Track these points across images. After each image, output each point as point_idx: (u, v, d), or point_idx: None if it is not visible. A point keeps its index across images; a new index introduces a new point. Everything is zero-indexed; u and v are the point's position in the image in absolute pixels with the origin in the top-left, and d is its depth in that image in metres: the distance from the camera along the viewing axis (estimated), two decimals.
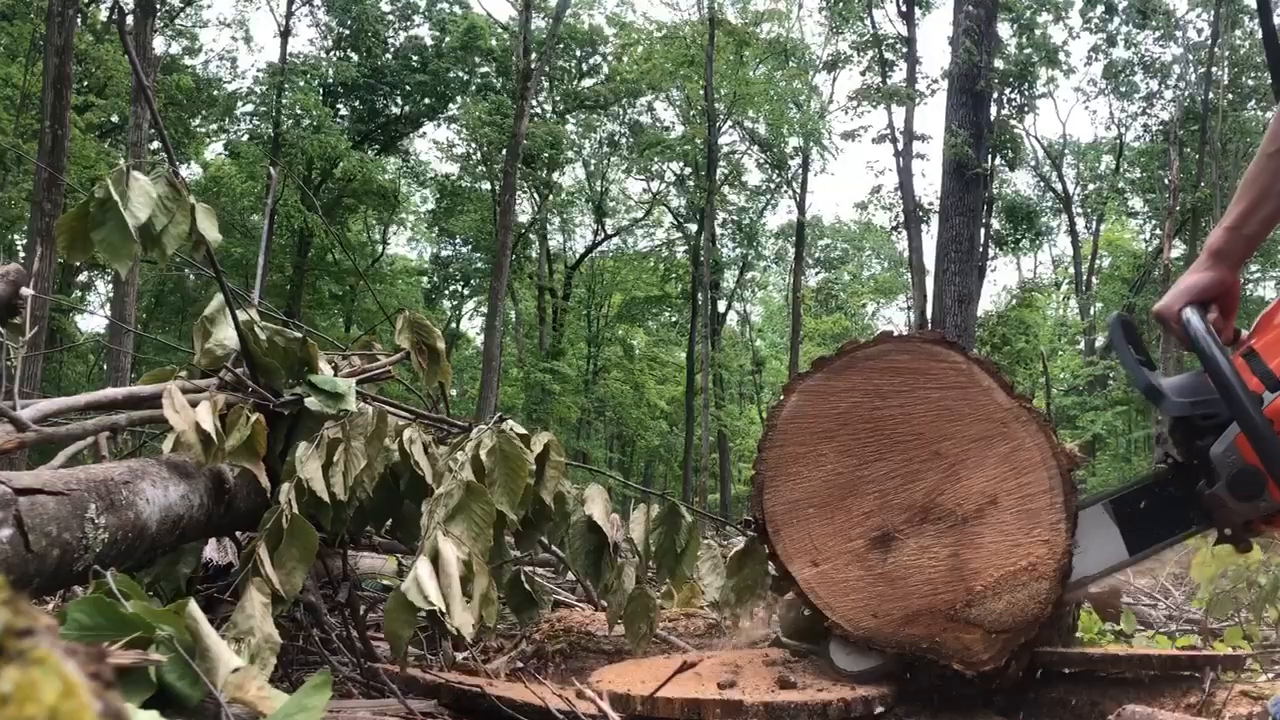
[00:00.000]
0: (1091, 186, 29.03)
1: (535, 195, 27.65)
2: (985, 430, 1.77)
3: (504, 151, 20.83)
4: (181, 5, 24.20)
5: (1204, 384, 1.59)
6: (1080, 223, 29.10)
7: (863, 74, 23.64)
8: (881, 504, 1.81)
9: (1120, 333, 1.75)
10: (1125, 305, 22.27)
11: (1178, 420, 1.66)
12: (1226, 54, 22.02)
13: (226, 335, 1.82)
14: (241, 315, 1.77)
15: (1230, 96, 22.12)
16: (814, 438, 1.87)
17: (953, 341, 1.84)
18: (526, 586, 1.96)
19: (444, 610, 1.45)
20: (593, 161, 29.03)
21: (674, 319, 32.19)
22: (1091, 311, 26.95)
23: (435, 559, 1.51)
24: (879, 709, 1.68)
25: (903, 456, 1.81)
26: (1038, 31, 21.51)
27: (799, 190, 27.88)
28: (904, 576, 1.77)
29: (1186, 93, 23.06)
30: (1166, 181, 20.81)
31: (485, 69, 26.42)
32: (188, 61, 24.74)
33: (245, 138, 24.86)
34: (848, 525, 1.82)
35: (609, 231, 30.01)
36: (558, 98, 27.47)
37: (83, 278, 24.36)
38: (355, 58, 25.43)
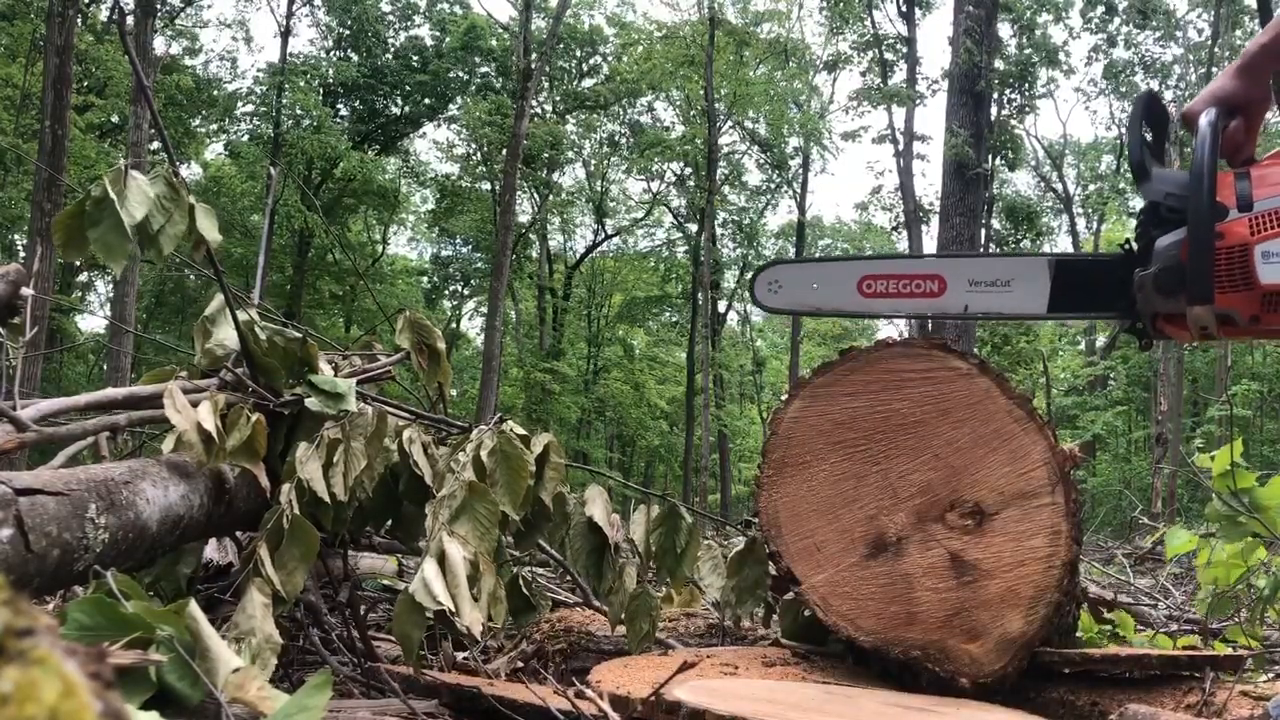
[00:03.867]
0: (1092, 187, 29.05)
1: (535, 195, 27.67)
2: (988, 434, 1.78)
3: (504, 151, 20.83)
4: (181, 5, 24.20)
5: (1188, 182, 1.63)
6: (1081, 223, 29.12)
7: (863, 74, 23.69)
8: (885, 507, 1.81)
9: (1140, 109, 1.77)
10: None
11: (1149, 206, 1.71)
12: (1226, 54, 22.01)
13: (227, 335, 1.82)
14: (241, 315, 1.77)
15: None
16: (817, 440, 1.87)
17: (954, 347, 1.85)
18: (525, 590, 1.96)
19: (453, 610, 1.45)
20: (593, 161, 29.04)
21: (674, 319, 32.21)
22: None
23: (441, 559, 1.51)
24: None
25: (906, 460, 1.82)
26: (1038, 32, 21.53)
27: (799, 190, 27.91)
28: (908, 581, 1.77)
29: (1187, 93, 23.05)
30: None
31: (485, 69, 26.44)
32: (188, 61, 24.75)
33: (245, 138, 24.88)
34: (852, 527, 1.83)
35: (609, 231, 30.04)
36: (558, 98, 27.49)
37: (83, 278, 24.37)
38: (355, 58, 25.45)
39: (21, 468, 2.35)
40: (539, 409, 24.51)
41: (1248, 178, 1.63)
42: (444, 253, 30.38)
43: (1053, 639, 1.75)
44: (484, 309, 24.48)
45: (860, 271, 1.98)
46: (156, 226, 1.54)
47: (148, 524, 1.42)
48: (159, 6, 17.69)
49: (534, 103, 22.78)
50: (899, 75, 22.57)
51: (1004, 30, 20.12)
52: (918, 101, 21.93)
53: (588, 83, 27.41)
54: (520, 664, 2.13)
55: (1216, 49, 21.51)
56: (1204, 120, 1.62)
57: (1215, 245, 1.59)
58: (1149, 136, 1.76)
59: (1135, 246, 1.76)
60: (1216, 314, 1.61)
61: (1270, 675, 2.25)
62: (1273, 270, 1.57)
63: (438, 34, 26.45)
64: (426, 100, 26.00)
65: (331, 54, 25.92)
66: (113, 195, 1.48)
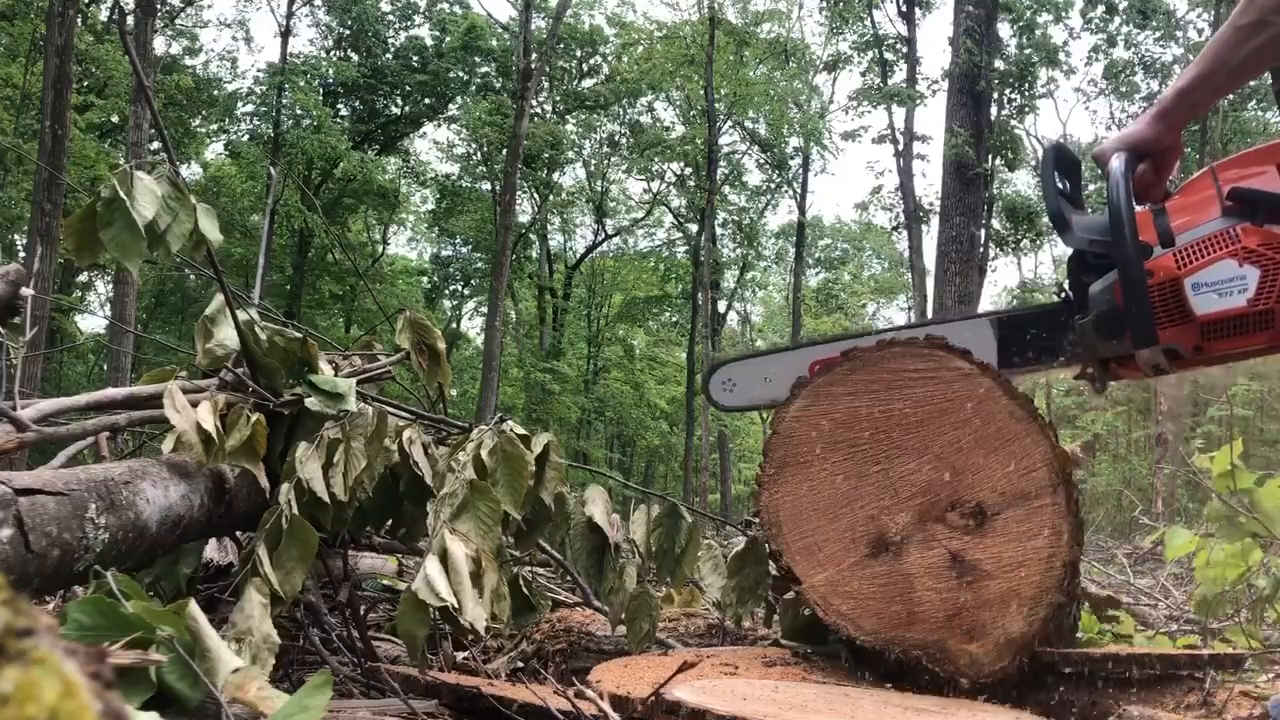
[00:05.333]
0: (1092, 187, 29.01)
1: (535, 195, 27.65)
2: (989, 434, 1.78)
3: (504, 151, 20.82)
4: (181, 5, 24.19)
5: (1109, 226, 1.67)
6: None
7: (863, 74, 23.70)
8: (886, 507, 1.81)
9: (1051, 160, 1.82)
10: None
11: (1075, 254, 1.76)
12: None
13: (227, 335, 1.82)
14: (242, 315, 1.77)
15: (1230, 97, 22.09)
16: (819, 440, 1.87)
17: (956, 347, 1.85)
18: (525, 590, 1.96)
19: (456, 606, 1.45)
20: (593, 161, 29.02)
21: (674, 319, 32.18)
22: None
23: (444, 557, 1.51)
24: None
25: (907, 460, 1.82)
26: (1038, 32, 21.51)
27: (799, 190, 27.89)
28: (908, 580, 1.77)
29: None
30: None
31: (485, 69, 26.42)
32: (188, 61, 24.75)
33: (245, 138, 24.86)
34: (852, 526, 1.83)
35: (609, 231, 30.02)
36: (558, 98, 27.47)
37: (83, 278, 24.37)
38: (355, 58, 25.43)
39: (21, 468, 2.35)
40: (539, 409, 24.50)
41: (1165, 213, 1.67)
42: (444, 253, 30.37)
43: (1053, 639, 1.75)
44: (484, 309, 24.47)
45: (809, 358, 2.02)
46: (163, 226, 1.54)
47: (148, 524, 1.42)
48: (159, 6, 17.68)
49: (534, 103, 22.77)
50: (899, 75, 22.59)
51: (1004, 30, 20.12)
52: (918, 101, 21.94)
53: (588, 83, 27.39)
54: (520, 664, 2.13)
55: None
56: (1115, 163, 1.65)
57: (1147, 284, 1.62)
58: (1064, 186, 1.80)
59: (1070, 294, 1.79)
60: (1163, 349, 1.64)
61: (1270, 675, 2.25)
62: (1205, 300, 1.61)
63: (438, 34, 26.42)
64: (426, 100, 25.98)
65: (331, 54, 25.90)
66: (123, 195, 1.48)
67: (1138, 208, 1.67)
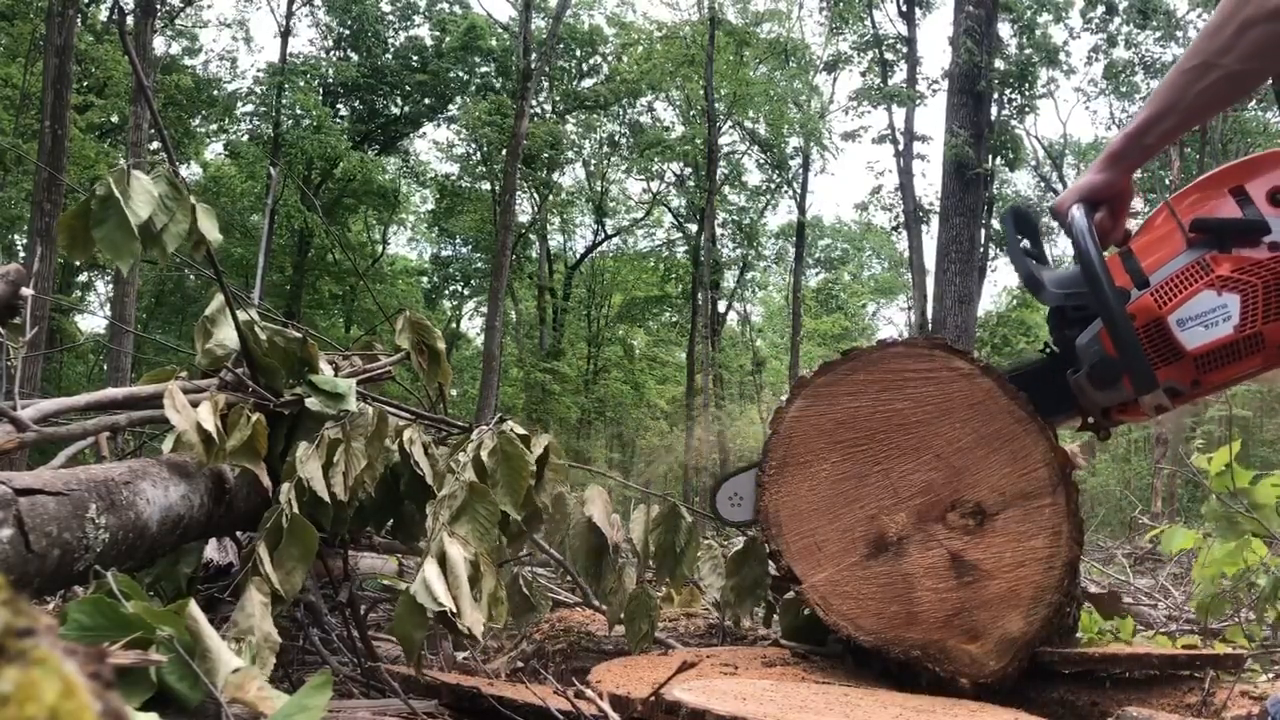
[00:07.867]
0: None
1: (535, 195, 27.63)
2: (989, 434, 1.78)
3: (504, 151, 20.82)
4: (181, 5, 24.19)
5: (1081, 278, 1.68)
6: None
7: (863, 74, 23.70)
8: (886, 507, 1.82)
9: (1012, 223, 1.85)
10: None
11: (1054, 310, 1.77)
12: None
13: (227, 335, 1.82)
14: (241, 315, 1.77)
15: None
16: (819, 440, 1.87)
17: (956, 347, 1.85)
18: (525, 590, 1.96)
19: (454, 611, 1.45)
20: (593, 161, 28.99)
21: (674, 319, 32.16)
22: None
23: (442, 560, 1.51)
24: None
25: (907, 460, 1.82)
26: (1038, 32, 21.51)
27: (799, 190, 27.88)
28: (908, 580, 1.77)
29: None
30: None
31: (485, 69, 26.42)
32: (188, 61, 24.74)
33: (245, 138, 24.85)
34: (852, 526, 1.83)
35: (609, 231, 30.00)
36: (558, 98, 27.45)
37: (83, 278, 24.36)
38: (355, 58, 25.43)
39: (21, 468, 2.35)
40: (539, 409, 24.49)
41: (1133, 254, 1.69)
42: (444, 253, 30.36)
43: (1053, 639, 1.75)
44: (484, 309, 24.46)
45: None
46: (160, 225, 1.53)
47: (148, 524, 1.42)
48: (159, 6, 17.67)
49: (534, 103, 22.76)
50: (899, 75, 22.59)
51: (1004, 30, 20.11)
52: (918, 101, 21.94)
53: (588, 83, 27.37)
54: (520, 664, 2.13)
55: None
56: (1075, 213, 1.67)
57: (1135, 327, 1.63)
58: (1027, 244, 1.84)
59: (1055, 349, 1.81)
60: (1162, 389, 1.66)
61: (1270, 675, 2.25)
62: (1193, 334, 1.62)
63: (438, 34, 26.42)
64: (426, 100, 25.97)
65: (331, 54, 25.90)
66: (117, 194, 1.48)
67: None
